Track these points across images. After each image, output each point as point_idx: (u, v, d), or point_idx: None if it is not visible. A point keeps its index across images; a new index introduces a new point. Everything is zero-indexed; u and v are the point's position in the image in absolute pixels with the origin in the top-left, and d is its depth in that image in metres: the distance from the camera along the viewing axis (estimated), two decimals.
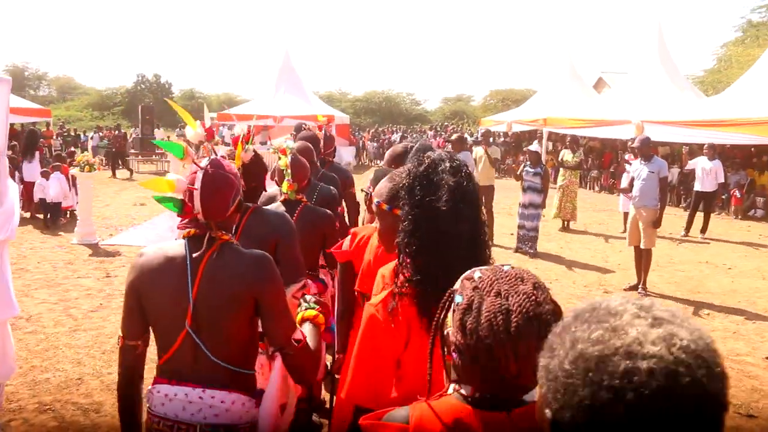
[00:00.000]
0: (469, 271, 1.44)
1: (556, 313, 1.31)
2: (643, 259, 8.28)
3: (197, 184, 2.17)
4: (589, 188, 21.14)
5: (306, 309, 2.47)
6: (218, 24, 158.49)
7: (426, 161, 2.03)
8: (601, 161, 21.38)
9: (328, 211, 4.05)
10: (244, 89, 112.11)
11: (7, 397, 4.81)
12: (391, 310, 1.94)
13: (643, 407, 0.83)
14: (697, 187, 13.30)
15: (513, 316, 1.28)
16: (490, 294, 1.32)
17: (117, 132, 26.58)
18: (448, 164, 2.00)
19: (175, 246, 2.23)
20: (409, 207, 1.98)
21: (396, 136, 31.59)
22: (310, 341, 2.28)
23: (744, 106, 14.80)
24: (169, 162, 23.80)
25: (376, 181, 3.53)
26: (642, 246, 8.17)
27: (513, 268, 1.40)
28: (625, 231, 12.12)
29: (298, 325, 2.30)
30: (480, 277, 1.38)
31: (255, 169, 3.25)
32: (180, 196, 2.21)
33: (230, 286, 2.15)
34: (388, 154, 3.84)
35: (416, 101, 67.16)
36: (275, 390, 2.24)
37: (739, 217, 15.55)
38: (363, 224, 4.32)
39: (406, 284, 1.95)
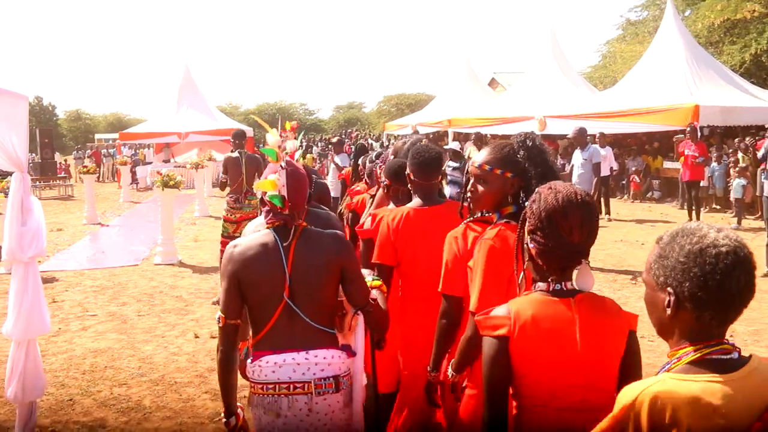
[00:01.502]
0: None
1: (588, 197, 2.07)
2: None
3: (282, 182, 2.59)
4: None
5: (372, 280, 2.97)
6: (101, 43, 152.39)
7: (530, 137, 2.72)
8: None
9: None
10: (134, 108, 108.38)
11: (1, 425, 4.75)
12: (512, 241, 2.44)
13: (727, 269, 1.50)
14: None
15: (560, 196, 2.02)
16: (547, 189, 2.07)
17: None
18: (540, 138, 2.76)
19: (264, 236, 2.63)
20: (536, 167, 2.62)
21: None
22: (380, 303, 2.80)
23: (633, 98, 16.09)
24: (72, 186, 22.98)
25: (389, 172, 3.96)
26: None
27: (562, 182, 2.17)
28: None
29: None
30: (541, 187, 2.13)
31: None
32: (278, 193, 2.59)
33: (321, 258, 2.60)
34: (393, 149, 4.60)
35: (309, 111, 67.28)
36: (362, 343, 2.70)
37: (638, 200, 16.83)
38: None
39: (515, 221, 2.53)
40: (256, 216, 7.77)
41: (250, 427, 2.73)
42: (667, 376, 1.53)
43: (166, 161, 26.08)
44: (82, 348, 6.40)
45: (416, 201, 3.57)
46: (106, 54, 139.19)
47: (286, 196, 2.57)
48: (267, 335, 2.57)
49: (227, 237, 7.97)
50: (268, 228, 2.66)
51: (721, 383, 1.48)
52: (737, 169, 13.00)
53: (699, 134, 13.53)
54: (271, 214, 2.64)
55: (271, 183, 2.59)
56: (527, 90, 20.39)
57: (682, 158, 13.18)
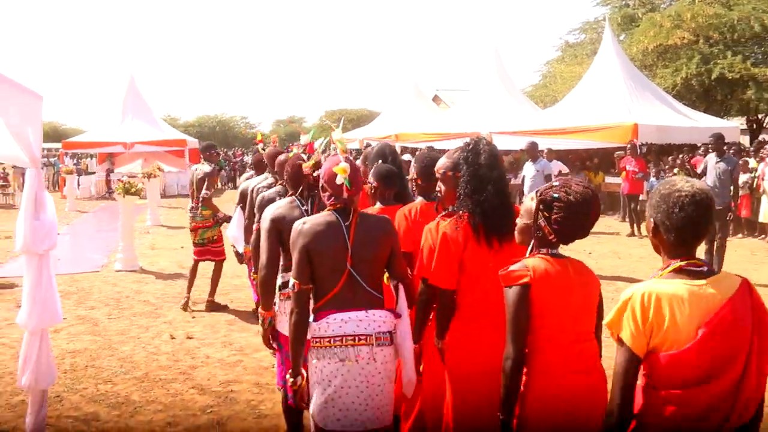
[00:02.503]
0: (553, 185, 2.72)
1: (594, 191, 2.73)
2: None
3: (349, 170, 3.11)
4: None
5: None
6: (34, 50, 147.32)
7: (472, 143, 3.30)
8: None
9: None
10: (70, 118, 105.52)
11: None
12: (458, 228, 3.16)
13: (684, 205, 2.17)
14: None
15: (588, 201, 2.64)
16: (571, 186, 2.67)
17: None
18: (484, 142, 3.31)
19: (327, 216, 3.13)
20: (467, 167, 3.23)
21: (248, 158, 31.67)
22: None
23: (575, 116, 16.85)
24: (12, 194, 22.42)
25: (379, 176, 4.27)
26: None
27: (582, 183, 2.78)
28: None
29: None
30: (560, 184, 2.70)
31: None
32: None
33: (376, 237, 3.14)
34: (363, 155, 4.99)
35: (250, 124, 66.85)
36: (406, 309, 3.21)
37: None
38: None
39: (466, 213, 3.17)
40: (210, 225, 7.93)
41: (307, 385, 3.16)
42: (655, 279, 2.24)
43: (110, 171, 25.70)
44: (58, 349, 6.42)
45: (420, 200, 3.99)
46: (40, 62, 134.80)
47: (347, 188, 3.07)
48: (332, 299, 3.05)
49: (194, 244, 8.12)
50: (329, 210, 3.14)
51: (691, 286, 2.18)
52: None
53: (638, 151, 14.35)
54: (333, 198, 3.13)
55: (342, 169, 3.06)
56: (473, 106, 21.01)
57: (624, 173, 13.93)
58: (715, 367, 2.13)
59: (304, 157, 3.96)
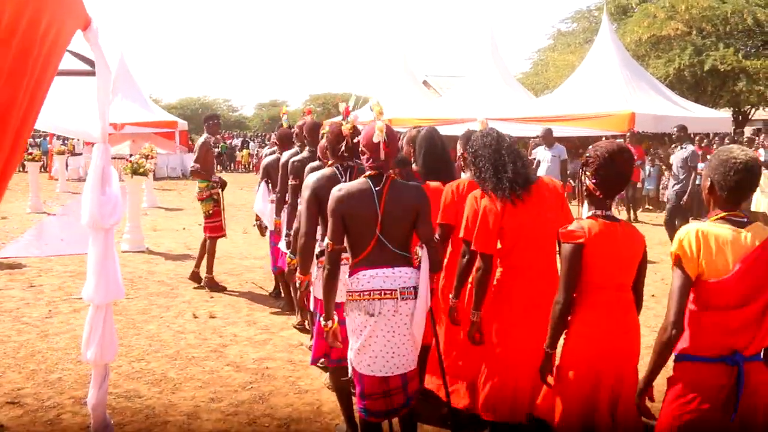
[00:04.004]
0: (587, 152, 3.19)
1: (628, 149, 3.15)
2: None
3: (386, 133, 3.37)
4: None
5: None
6: None
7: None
8: None
9: None
10: None
11: (35, 397, 4.80)
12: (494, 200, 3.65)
13: (739, 171, 2.63)
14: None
15: (616, 151, 3.06)
16: (602, 147, 3.08)
17: None
18: (476, 134, 3.87)
19: (360, 183, 3.40)
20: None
21: (237, 141, 31.51)
22: None
23: (572, 104, 16.98)
24: None
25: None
26: None
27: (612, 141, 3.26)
28: None
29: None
30: (593, 146, 3.14)
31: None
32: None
33: (405, 203, 3.38)
34: (408, 137, 4.92)
35: (233, 107, 66.53)
36: (427, 269, 3.45)
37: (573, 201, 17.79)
38: None
39: (490, 189, 3.66)
40: (204, 198, 7.88)
41: (343, 332, 3.54)
42: (707, 222, 2.70)
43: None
44: (82, 328, 6.39)
45: (468, 175, 4.26)
46: None
47: (386, 144, 3.30)
48: (363, 258, 3.36)
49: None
50: (366, 177, 3.39)
51: (734, 230, 2.65)
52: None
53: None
54: (371, 160, 3.37)
55: (380, 128, 3.31)
56: (468, 92, 20.97)
57: None
58: (750, 294, 2.60)
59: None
